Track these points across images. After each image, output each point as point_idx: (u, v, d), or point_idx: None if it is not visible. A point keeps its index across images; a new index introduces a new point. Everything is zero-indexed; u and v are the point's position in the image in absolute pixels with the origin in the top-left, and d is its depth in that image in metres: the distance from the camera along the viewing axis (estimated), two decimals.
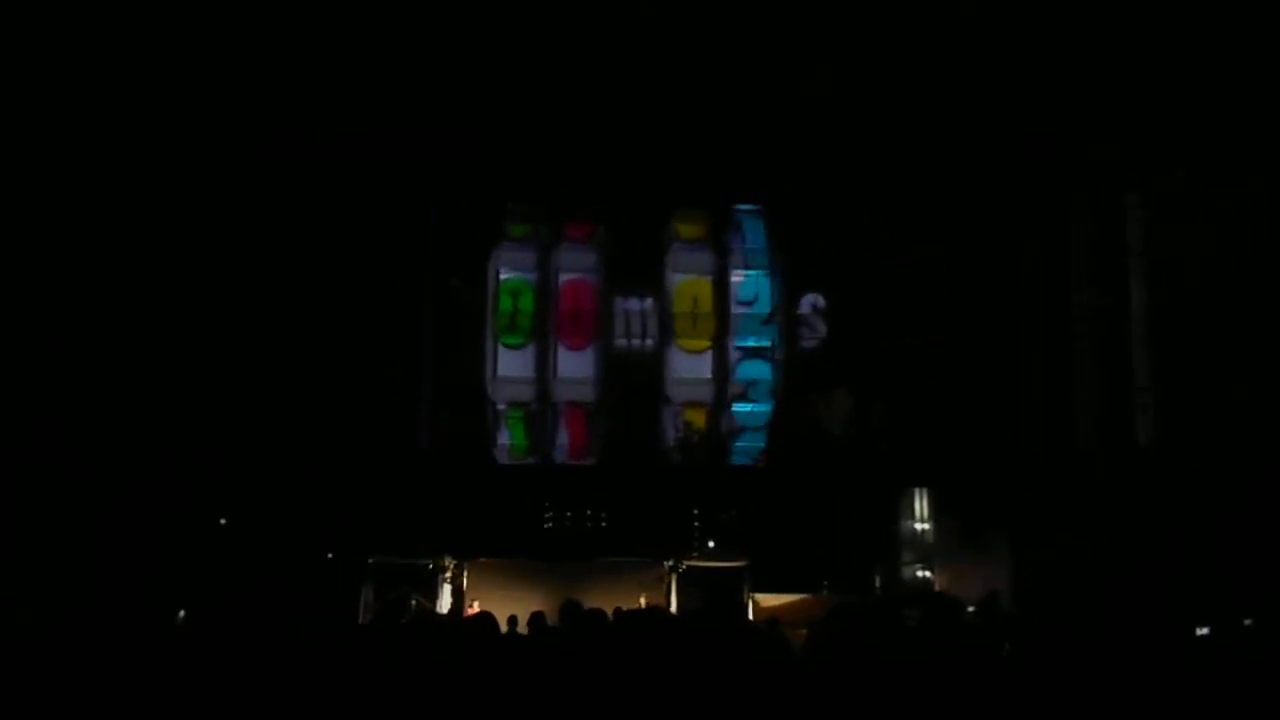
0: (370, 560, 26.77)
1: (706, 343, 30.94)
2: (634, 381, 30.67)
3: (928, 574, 28.47)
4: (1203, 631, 14.17)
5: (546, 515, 29.05)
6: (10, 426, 24.60)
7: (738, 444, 30.16)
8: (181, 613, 18.08)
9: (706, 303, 31.06)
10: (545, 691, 9.27)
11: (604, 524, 28.95)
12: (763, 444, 30.15)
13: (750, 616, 24.45)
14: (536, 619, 14.41)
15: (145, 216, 27.02)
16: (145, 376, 26.60)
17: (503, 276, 30.97)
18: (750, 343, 30.87)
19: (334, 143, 28.39)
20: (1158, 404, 28.78)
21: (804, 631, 11.52)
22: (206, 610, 23.58)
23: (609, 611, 12.07)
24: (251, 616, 22.19)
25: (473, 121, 28.95)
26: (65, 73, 25.48)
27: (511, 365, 30.70)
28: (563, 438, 30.71)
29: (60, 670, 8.94)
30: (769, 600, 25.02)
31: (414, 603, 25.84)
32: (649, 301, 31.05)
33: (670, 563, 27.27)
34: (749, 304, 31.00)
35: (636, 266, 31.01)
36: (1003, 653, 10.80)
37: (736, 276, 31.25)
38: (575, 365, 30.88)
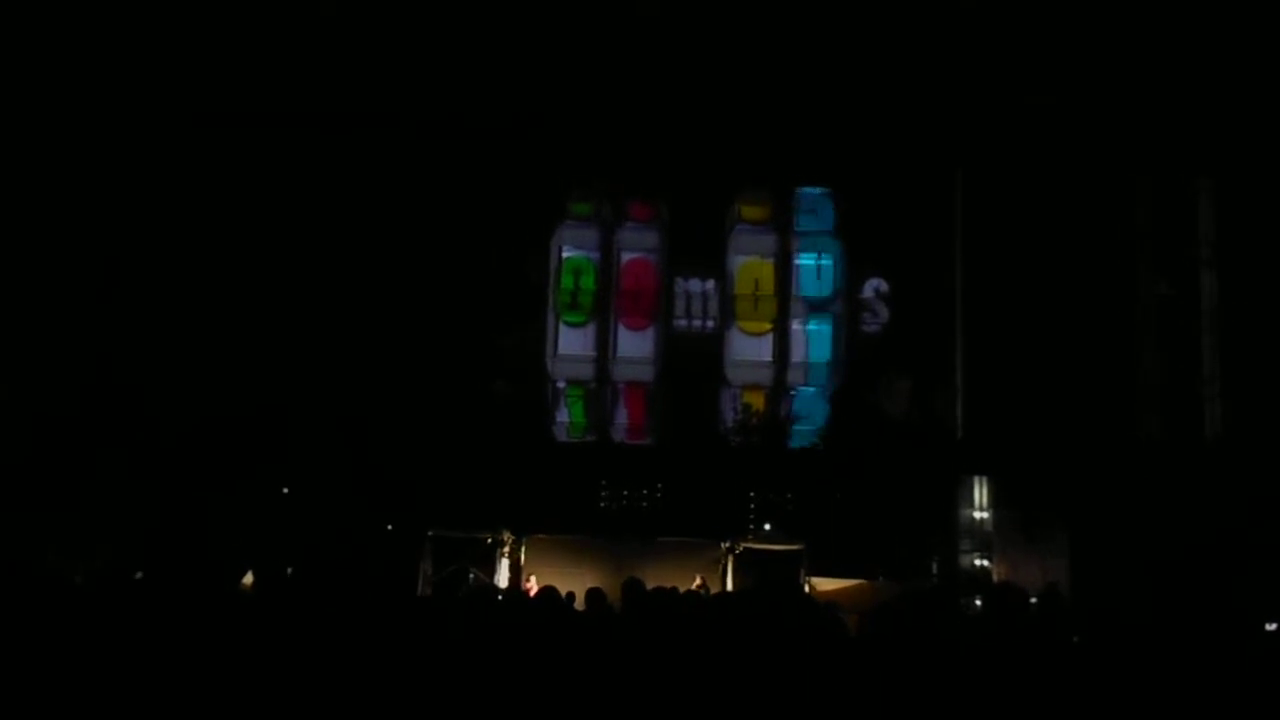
0: (430, 533, 27.01)
1: (767, 325, 30.85)
2: (693, 362, 30.63)
3: (985, 563, 28.28)
4: (1271, 627, 13.98)
5: (603, 493, 29.15)
6: (85, 396, 25.29)
7: (796, 427, 30.03)
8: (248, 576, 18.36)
9: (768, 285, 30.95)
10: (604, 667, 9.29)
11: (660, 503, 28.97)
12: (822, 428, 29.99)
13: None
14: (594, 596, 14.41)
15: (197, 206, 27.98)
16: (212, 351, 27.25)
17: (565, 254, 31.01)
18: (812, 327, 30.74)
19: (409, 124, 28.95)
20: (1224, 395, 28.44)
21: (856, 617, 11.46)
22: (267, 576, 24.00)
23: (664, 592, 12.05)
24: (310, 585, 22.49)
25: (540, 101, 29.10)
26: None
27: (572, 343, 30.78)
28: (621, 417, 30.75)
29: (115, 620, 9.10)
30: (825, 585, 24.95)
31: (472, 576, 26.07)
32: (710, 283, 31.00)
33: (727, 544, 27.28)
34: (812, 288, 30.86)
35: (698, 247, 30.94)
36: (1070, 644, 10.72)
37: (799, 259, 31.09)
38: (635, 345, 30.91)
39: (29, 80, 26.56)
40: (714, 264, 31.02)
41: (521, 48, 28.70)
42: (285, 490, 27.40)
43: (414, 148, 29.06)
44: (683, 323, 30.93)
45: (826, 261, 30.97)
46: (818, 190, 31.11)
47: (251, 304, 27.96)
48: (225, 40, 27.45)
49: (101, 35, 26.96)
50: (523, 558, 27.33)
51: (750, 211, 31.26)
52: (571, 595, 17.76)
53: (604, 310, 30.88)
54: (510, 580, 26.37)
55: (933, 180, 30.11)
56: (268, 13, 27.21)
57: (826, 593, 23.80)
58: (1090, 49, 28.16)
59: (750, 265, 31.16)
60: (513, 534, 27.43)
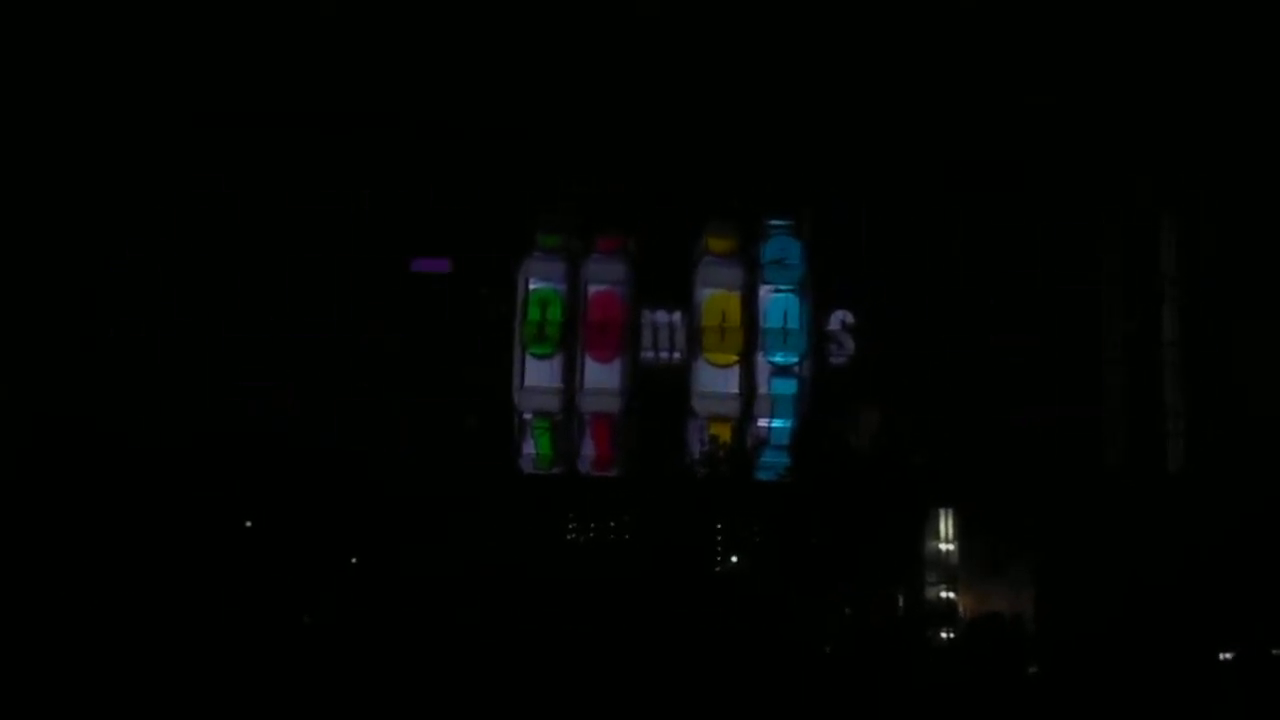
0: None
1: (734, 357, 30.88)
2: (660, 394, 30.63)
3: (951, 595, 28.32)
4: (1226, 656, 14.05)
5: (570, 525, 29.07)
6: (50, 422, 25.34)
7: (763, 459, 30.02)
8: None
9: (735, 317, 31.00)
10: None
11: (626, 535, 28.89)
12: (788, 459, 29.99)
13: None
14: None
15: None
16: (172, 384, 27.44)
17: (532, 286, 30.98)
18: (778, 359, 30.82)
19: (373, 157, 29.15)
20: (1188, 430, 28.73)
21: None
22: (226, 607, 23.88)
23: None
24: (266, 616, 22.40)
25: (507, 133, 29.28)
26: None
27: (539, 375, 30.72)
28: (588, 448, 30.69)
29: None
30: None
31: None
32: (677, 315, 31.03)
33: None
34: (778, 320, 30.97)
35: (665, 279, 31.00)
36: (1028, 674, 10.79)
37: (765, 292, 31.20)
38: (602, 376, 30.86)
39: (27, 83, 26.74)
40: (681, 296, 31.07)
41: (492, 84, 28.89)
42: (248, 524, 27.17)
43: (386, 163, 29.32)
44: (650, 354, 30.93)
45: (793, 294, 31.08)
46: (784, 223, 31.25)
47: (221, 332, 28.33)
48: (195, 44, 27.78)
49: (98, 36, 27.17)
50: None
51: (717, 244, 31.32)
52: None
53: (571, 342, 30.85)
54: None
55: (900, 215, 30.38)
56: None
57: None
58: (1058, 91, 28.59)
59: (717, 298, 31.21)
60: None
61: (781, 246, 31.28)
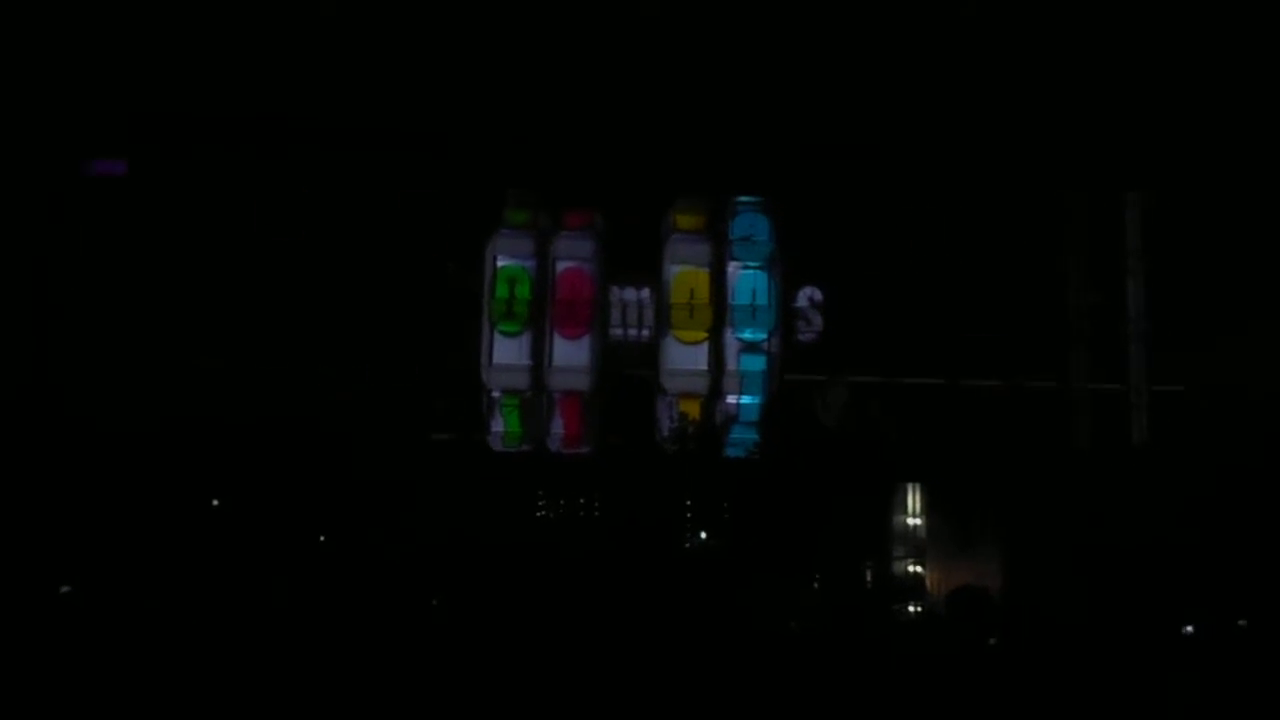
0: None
1: (702, 334, 30.91)
2: (629, 371, 30.64)
3: (918, 569, 28.52)
4: (1187, 630, 14.23)
5: (540, 503, 29.06)
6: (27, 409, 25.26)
7: (732, 435, 30.11)
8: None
9: (704, 294, 31.01)
10: None
11: (596, 512, 28.91)
12: (756, 436, 30.10)
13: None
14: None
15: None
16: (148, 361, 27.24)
17: (500, 264, 30.89)
18: (747, 335, 30.87)
19: (338, 134, 29.00)
20: (1151, 404, 29.05)
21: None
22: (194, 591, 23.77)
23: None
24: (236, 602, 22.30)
25: (476, 110, 29.16)
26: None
27: (507, 353, 30.66)
28: (557, 426, 30.69)
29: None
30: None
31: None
32: (646, 291, 31.01)
33: None
34: (747, 297, 31.02)
35: (634, 256, 30.96)
36: (989, 646, 10.91)
37: (734, 268, 31.22)
38: (571, 354, 30.84)
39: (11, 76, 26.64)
40: (650, 273, 31.06)
41: (459, 59, 28.75)
42: (215, 503, 27.03)
43: (348, 158, 29.14)
44: (619, 331, 30.93)
45: (761, 271, 31.12)
46: (752, 199, 31.26)
47: (192, 314, 28.13)
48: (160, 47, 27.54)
49: (35, 39, 26.96)
50: None
51: (686, 220, 31.31)
52: None
53: (539, 319, 30.80)
54: None
55: (868, 190, 30.45)
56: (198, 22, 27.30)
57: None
58: (1026, 69, 28.71)
59: (686, 274, 31.20)
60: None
61: (750, 223, 31.30)
